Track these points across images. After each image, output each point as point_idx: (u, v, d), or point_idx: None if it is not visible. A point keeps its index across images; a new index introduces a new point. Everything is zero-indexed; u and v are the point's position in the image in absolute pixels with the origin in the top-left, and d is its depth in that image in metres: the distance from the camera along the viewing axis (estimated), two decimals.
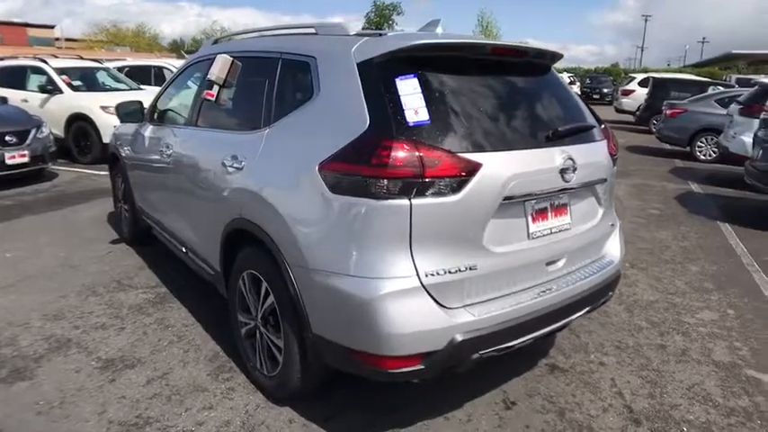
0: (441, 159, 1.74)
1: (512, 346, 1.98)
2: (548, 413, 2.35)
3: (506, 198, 1.87)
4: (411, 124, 1.77)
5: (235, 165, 2.38)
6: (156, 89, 9.70)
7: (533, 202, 2.03)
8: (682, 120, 9.93)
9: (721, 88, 12.68)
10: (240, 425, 2.20)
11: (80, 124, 7.91)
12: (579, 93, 16.78)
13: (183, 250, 3.21)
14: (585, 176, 2.16)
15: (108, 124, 7.73)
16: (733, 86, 13.90)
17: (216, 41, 3.30)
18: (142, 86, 9.74)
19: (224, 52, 2.81)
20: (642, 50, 69.24)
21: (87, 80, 8.85)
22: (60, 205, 5.69)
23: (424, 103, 1.81)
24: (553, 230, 2.11)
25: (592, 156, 2.23)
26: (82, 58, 10.23)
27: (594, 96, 27.23)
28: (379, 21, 42.91)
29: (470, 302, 1.87)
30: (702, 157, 9.87)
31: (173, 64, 11.93)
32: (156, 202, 3.61)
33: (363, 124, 1.81)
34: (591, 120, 2.42)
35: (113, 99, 8.03)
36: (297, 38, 2.41)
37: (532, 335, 2.04)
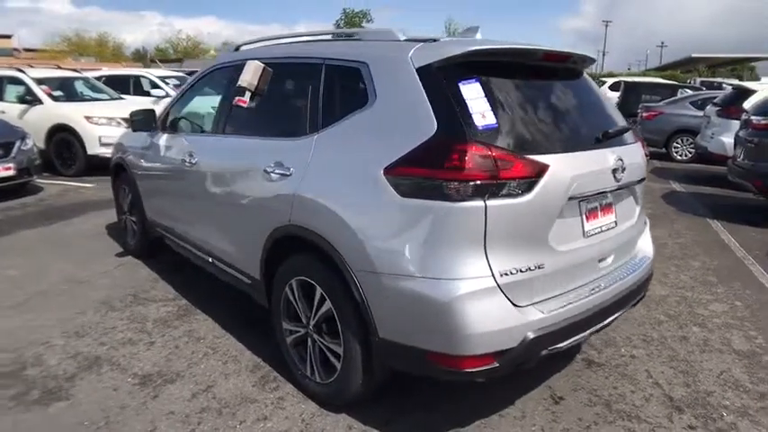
0: (512, 161, 1.79)
1: (573, 342, 2.04)
2: (595, 405, 2.41)
3: (570, 198, 1.94)
4: (481, 128, 1.82)
5: (280, 171, 2.36)
6: (137, 99, 9.56)
7: (587, 201, 2.10)
8: (658, 122, 10.36)
9: (689, 91, 13.30)
10: (302, 429, 2.18)
11: (63, 135, 7.64)
12: None
13: (210, 260, 3.15)
14: (630, 176, 2.25)
15: (93, 135, 7.53)
16: (700, 89, 14.57)
17: (237, 48, 3.27)
18: (123, 96, 9.50)
19: (254, 58, 2.79)
20: (604, 55, 71.71)
21: (66, 90, 8.57)
22: (52, 219, 5.47)
23: (489, 107, 1.86)
24: (603, 228, 2.19)
25: (633, 156, 2.33)
26: (60, 68, 9.90)
27: None
28: (349, 28, 43.30)
29: (538, 300, 1.92)
30: (679, 158, 10.31)
31: (152, 73, 11.67)
32: (174, 212, 3.53)
33: (431, 128, 1.84)
34: (625, 122, 2.52)
35: (97, 109, 7.84)
36: (341, 44, 2.42)
37: (590, 330, 2.11)
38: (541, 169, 1.84)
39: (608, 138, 2.16)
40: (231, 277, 2.95)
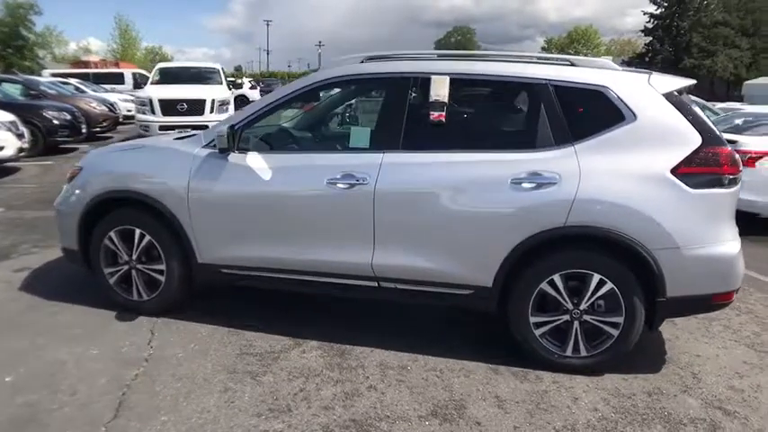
0: (739, 160, 2.72)
1: None
2: (694, 320, 3.58)
3: None
4: (721, 137, 2.67)
5: (538, 180, 2.61)
6: None
7: None
8: None
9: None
10: (610, 395, 2.59)
11: None
12: None
13: (377, 285, 2.94)
14: None
15: None
16: None
17: (363, 61, 3.05)
18: None
19: (438, 73, 2.82)
20: (268, 54, 78.10)
21: None
22: None
23: (710, 122, 2.73)
24: None
25: None
26: None
27: None
28: (13, 21, 34.95)
29: None
30: None
31: None
32: (294, 242, 2.95)
33: (697, 139, 2.57)
34: None
35: None
36: (568, 68, 2.76)
37: None
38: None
39: None
40: (431, 295, 2.89)
